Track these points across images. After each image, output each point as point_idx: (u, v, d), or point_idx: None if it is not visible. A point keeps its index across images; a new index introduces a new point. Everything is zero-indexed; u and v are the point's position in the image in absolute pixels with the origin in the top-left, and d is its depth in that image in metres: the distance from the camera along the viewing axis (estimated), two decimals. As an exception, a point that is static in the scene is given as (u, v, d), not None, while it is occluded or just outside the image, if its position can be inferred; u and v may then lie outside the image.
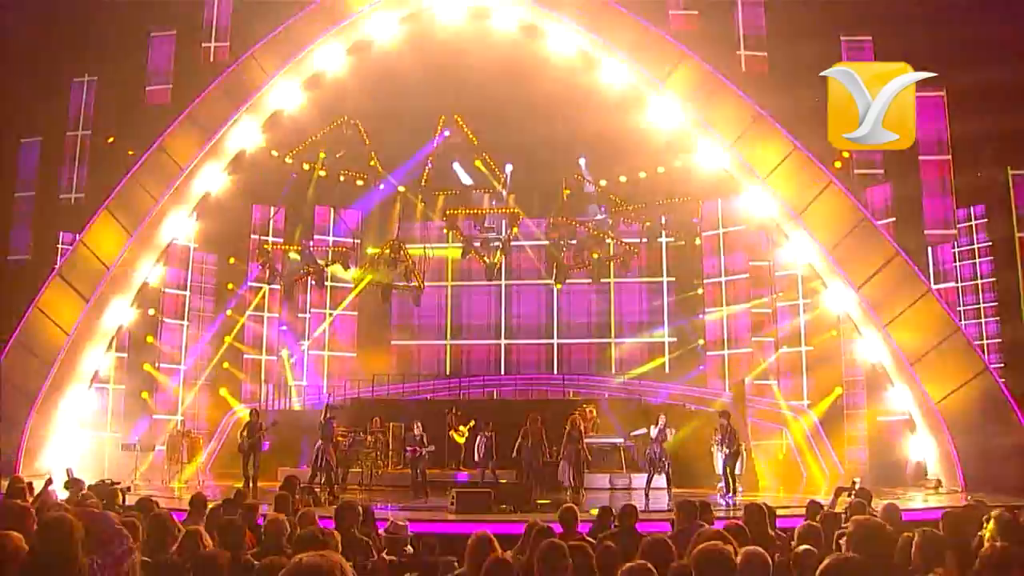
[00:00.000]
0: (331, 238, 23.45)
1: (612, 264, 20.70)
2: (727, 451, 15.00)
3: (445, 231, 21.95)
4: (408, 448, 15.91)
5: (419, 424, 16.08)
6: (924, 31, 15.11)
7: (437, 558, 6.87)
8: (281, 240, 21.92)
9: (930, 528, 4.85)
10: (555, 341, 23.64)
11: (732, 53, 16.42)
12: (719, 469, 16.33)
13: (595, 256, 19.30)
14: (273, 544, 5.37)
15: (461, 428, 17.91)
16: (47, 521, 3.56)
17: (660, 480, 15.28)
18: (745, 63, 16.22)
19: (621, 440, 18.06)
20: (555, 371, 23.38)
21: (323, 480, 15.08)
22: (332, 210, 23.58)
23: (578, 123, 19.74)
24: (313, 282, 21.22)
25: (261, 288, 22.42)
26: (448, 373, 23.62)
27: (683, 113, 16.33)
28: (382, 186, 22.71)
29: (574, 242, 19.80)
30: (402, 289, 21.15)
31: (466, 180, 21.31)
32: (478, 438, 16.45)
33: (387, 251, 20.27)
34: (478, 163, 20.40)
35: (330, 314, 23.73)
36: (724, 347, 21.66)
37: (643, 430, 15.85)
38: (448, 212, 20.63)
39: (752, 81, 15.86)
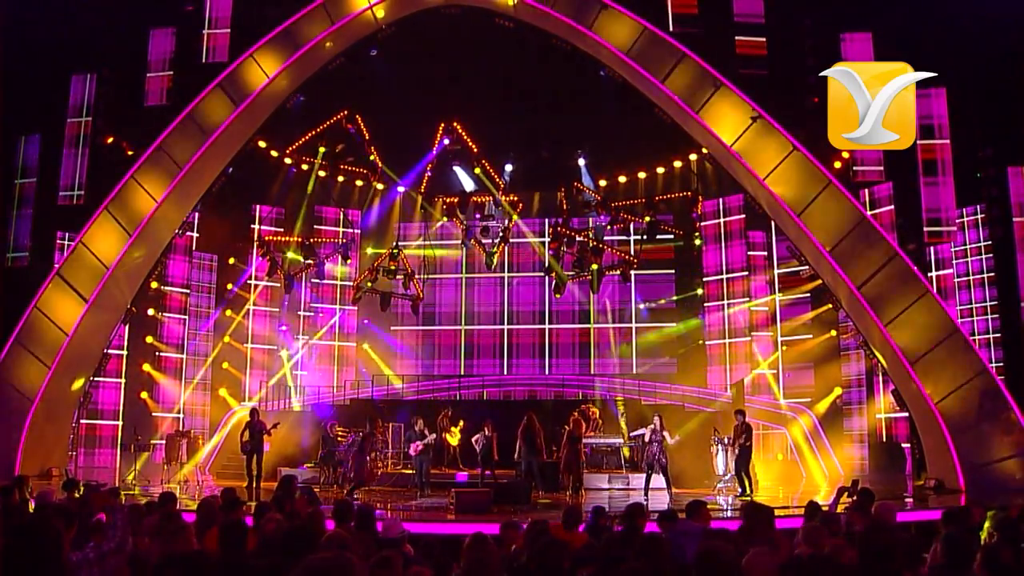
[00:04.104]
0: (338, 229, 23.49)
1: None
2: (740, 449, 14.97)
3: (444, 219, 22.05)
4: (412, 444, 15.84)
5: (421, 420, 16.10)
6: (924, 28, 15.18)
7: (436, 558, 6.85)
8: (282, 230, 22.02)
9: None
10: (547, 326, 23.74)
11: (731, 53, 16.42)
12: (719, 469, 16.34)
13: (594, 267, 19.35)
14: (269, 545, 5.35)
15: (453, 429, 17.94)
16: (28, 521, 3.56)
17: (660, 480, 15.27)
18: (743, 48, 16.24)
19: (621, 440, 18.06)
20: (547, 354, 23.52)
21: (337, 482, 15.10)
22: (334, 208, 23.62)
23: (578, 123, 19.79)
24: (314, 278, 21.27)
25: (260, 285, 22.48)
26: (462, 361, 23.73)
27: (682, 113, 16.30)
28: (382, 186, 22.79)
29: (577, 241, 19.82)
30: (401, 296, 21.27)
31: (467, 184, 21.36)
32: (476, 438, 16.42)
33: (386, 260, 20.38)
34: (477, 171, 20.47)
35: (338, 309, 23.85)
36: (725, 348, 21.65)
37: (642, 431, 15.85)
38: (447, 201, 20.72)
39: (752, 81, 15.85)
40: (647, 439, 15.32)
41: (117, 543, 3.93)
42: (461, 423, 17.98)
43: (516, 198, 20.90)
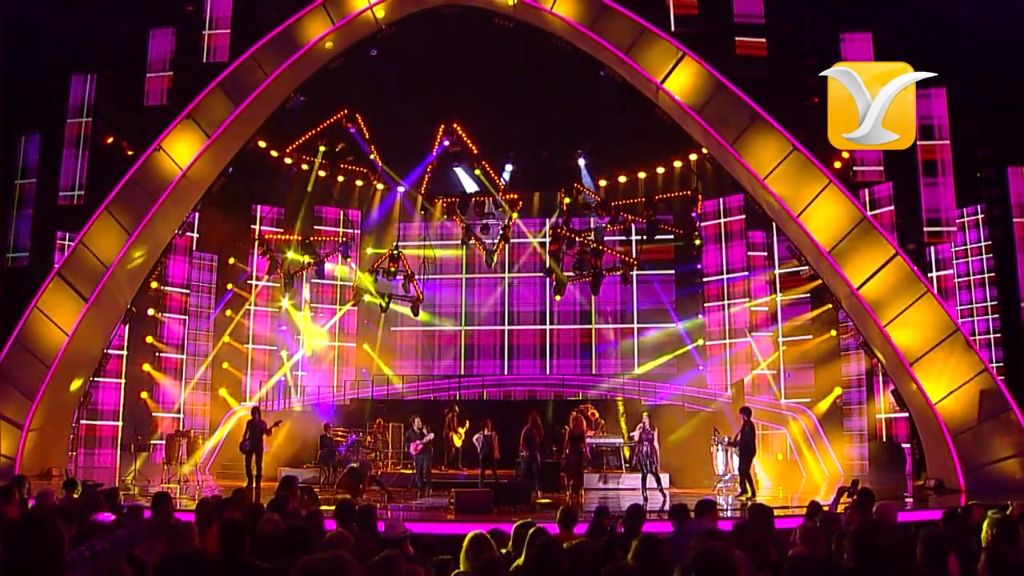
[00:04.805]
0: (338, 229, 23.51)
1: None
2: (747, 451, 14.89)
3: (444, 218, 22.03)
4: (411, 444, 15.86)
5: (418, 419, 16.08)
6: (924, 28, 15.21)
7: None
8: (281, 230, 22.02)
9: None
10: (547, 327, 23.75)
11: (731, 53, 16.42)
12: (719, 469, 16.33)
13: (594, 269, 19.36)
14: (267, 545, 5.36)
15: (459, 430, 17.91)
16: (27, 519, 3.55)
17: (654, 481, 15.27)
18: (743, 48, 16.26)
19: (621, 440, 18.06)
20: (547, 355, 23.53)
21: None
22: (334, 207, 23.63)
23: (578, 123, 19.80)
24: (313, 275, 21.28)
25: (260, 285, 22.49)
26: (462, 361, 23.74)
27: (682, 113, 16.30)
28: (382, 186, 22.80)
29: (577, 242, 19.83)
30: (400, 300, 21.25)
31: (468, 185, 21.35)
32: (477, 436, 16.42)
33: (386, 261, 20.38)
34: (477, 172, 20.48)
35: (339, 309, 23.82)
36: (725, 348, 21.65)
37: (634, 432, 15.86)
38: (448, 200, 20.72)
39: (752, 81, 15.85)
40: (636, 439, 15.34)
41: (112, 543, 3.93)
42: (468, 423, 17.94)
43: (516, 196, 20.92)
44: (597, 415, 18.30)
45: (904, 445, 16.69)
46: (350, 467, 14.83)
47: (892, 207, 16.96)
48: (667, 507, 12.91)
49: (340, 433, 17.55)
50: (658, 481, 14.99)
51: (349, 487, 14.30)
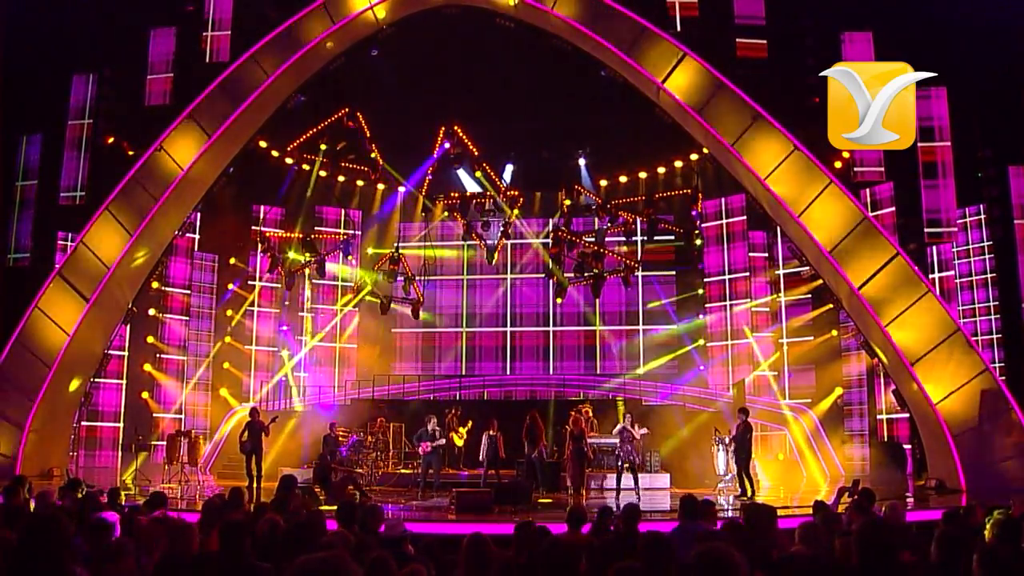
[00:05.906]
0: (339, 230, 23.49)
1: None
2: (743, 451, 14.84)
3: (445, 214, 22.02)
4: (421, 444, 15.78)
5: (433, 419, 16.02)
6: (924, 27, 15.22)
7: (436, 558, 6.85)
8: (282, 230, 22.01)
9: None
10: (550, 328, 23.73)
11: (731, 53, 16.43)
12: (719, 469, 16.32)
13: (595, 271, 19.37)
14: (268, 545, 5.35)
15: (460, 430, 17.89)
16: (35, 519, 3.55)
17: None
18: (744, 50, 16.27)
19: (619, 440, 18.04)
20: (550, 357, 23.50)
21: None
22: (335, 208, 23.62)
23: (578, 123, 19.80)
24: (315, 275, 21.27)
25: (261, 285, 22.48)
26: (464, 363, 23.73)
27: (682, 113, 16.30)
28: (383, 186, 22.77)
29: (579, 244, 19.82)
30: (401, 301, 21.25)
31: (470, 186, 21.33)
32: (483, 438, 16.37)
33: (386, 263, 20.33)
34: (478, 174, 20.46)
35: (340, 310, 23.78)
36: (727, 349, 21.64)
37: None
38: (449, 199, 20.73)
39: (752, 81, 15.86)
40: (619, 438, 15.34)
41: (117, 547, 3.92)
42: (470, 423, 17.90)
43: (516, 193, 20.90)
44: (591, 413, 18.29)
45: (905, 445, 16.69)
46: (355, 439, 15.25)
47: (893, 207, 16.97)
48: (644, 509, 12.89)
49: (343, 433, 17.54)
50: (635, 480, 15.02)
51: (321, 480, 14.52)
